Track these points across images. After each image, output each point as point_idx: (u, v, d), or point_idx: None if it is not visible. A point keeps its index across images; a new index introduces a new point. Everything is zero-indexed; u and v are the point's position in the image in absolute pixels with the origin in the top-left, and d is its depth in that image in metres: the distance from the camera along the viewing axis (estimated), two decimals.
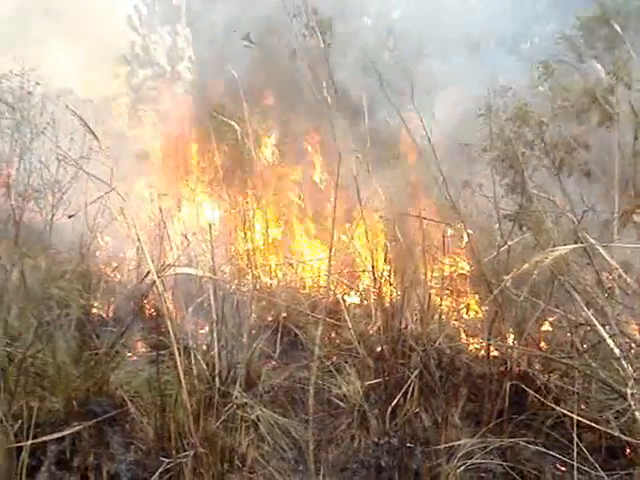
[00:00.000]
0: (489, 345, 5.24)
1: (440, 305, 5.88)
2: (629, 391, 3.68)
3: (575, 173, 4.94)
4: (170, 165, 7.02)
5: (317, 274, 7.84)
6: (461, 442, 4.60)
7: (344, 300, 6.47)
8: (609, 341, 3.84)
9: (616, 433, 4.38)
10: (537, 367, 5.30)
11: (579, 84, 4.95)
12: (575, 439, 4.00)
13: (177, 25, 10.69)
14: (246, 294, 5.68)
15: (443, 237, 5.54)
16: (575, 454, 4.01)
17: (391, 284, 5.81)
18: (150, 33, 10.83)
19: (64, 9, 8.50)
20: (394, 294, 5.84)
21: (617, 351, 3.83)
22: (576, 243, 4.25)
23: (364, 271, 6.85)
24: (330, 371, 5.78)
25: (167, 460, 4.32)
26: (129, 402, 5.04)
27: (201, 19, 10.45)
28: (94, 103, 6.77)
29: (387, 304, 5.66)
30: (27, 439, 4.18)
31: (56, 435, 4.45)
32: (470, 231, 5.20)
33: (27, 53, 5.61)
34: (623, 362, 3.88)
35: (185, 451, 4.35)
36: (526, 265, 3.36)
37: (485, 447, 4.61)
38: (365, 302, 6.75)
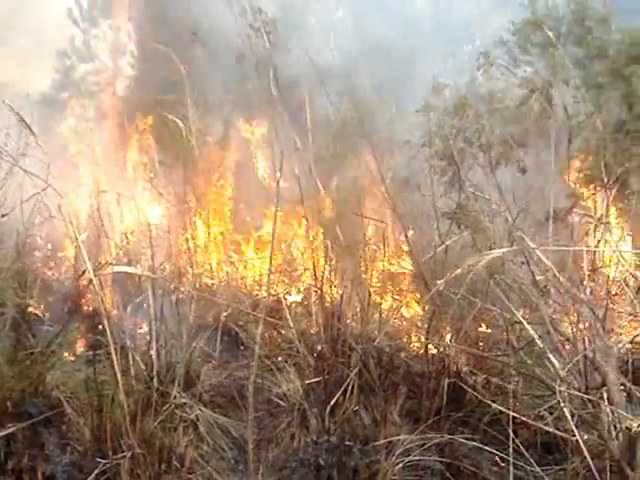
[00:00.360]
0: (427, 344, 5.30)
1: (380, 304, 5.91)
2: (558, 387, 3.77)
3: (511, 171, 5.02)
4: (110, 161, 6.92)
5: (259, 273, 7.83)
6: (400, 438, 4.64)
7: (285, 299, 6.47)
8: (537, 340, 3.93)
9: (550, 429, 4.48)
10: (474, 365, 5.38)
11: (515, 85, 5.03)
12: (511, 435, 4.07)
13: (119, 19, 10.55)
14: (186, 293, 5.64)
15: (383, 236, 5.57)
16: (511, 450, 4.08)
17: (332, 283, 5.83)
18: (91, 27, 10.66)
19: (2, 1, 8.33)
20: (335, 293, 5.86)
21: (546, 348, 3.92)
22: (512, 242, 4.33)
23: (305, 270, 6.87)
24: (271, 370, 5.77)
25: (103, 461, 4.26)
26: (65, 403, 4.96)
27: (144, 14, 10.33)
28: (32, 98, 6.63)
29: (328, 303, 5.68)
30: None
31: None
32: (410, 230, 5.25)
33: None
34: (553, 359, 3.96)
35: (122, 452, 4.30)
36: (460, 269, 3.41)
37: (423, 444, 4.66)
38: (306, 301, 6.76)
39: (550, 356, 3.96)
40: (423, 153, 5.25)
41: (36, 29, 8.81)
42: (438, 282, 3.69)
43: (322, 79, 5.56)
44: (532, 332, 3.93)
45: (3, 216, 5.01)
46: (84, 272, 4.22)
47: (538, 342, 3.92)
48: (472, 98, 5.23)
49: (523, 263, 4.47)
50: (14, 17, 8.66)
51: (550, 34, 4.85)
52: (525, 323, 4.22)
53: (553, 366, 4.07)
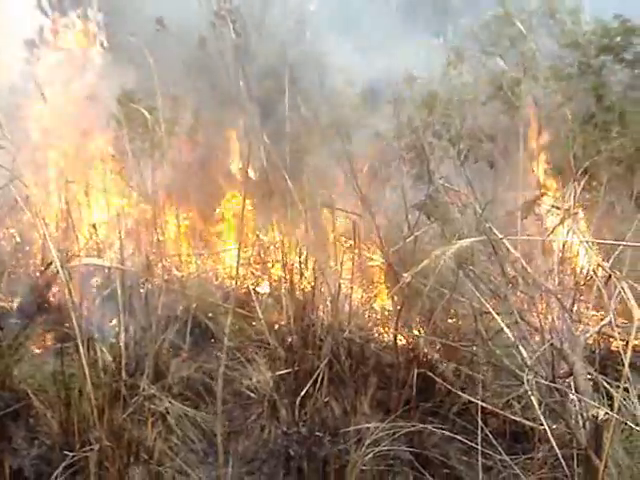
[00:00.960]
0: (396, 334, 5.31)
1: (351, 295, 5.91)
2: (525, 377, 3.79)
3: (480, 163, 5.04)
4: (78, 153, 6.82)
5: (229, 265, 7.79)
6: (370, 425, 4.65)
7: (255, 291, 6.44)
8: (505, 328, 3.94)
9: (518, 418, 4.51)
10: (444, 355, 5.39)
11: (485, 77, 5.05)
12: (480, 425, 4.09)
13: (88, 9, 10.41)
14: (155, 285, 5.59)
15: (354, 228, 5.56)
16: (480, 439, 4.10)
17: (302, 274, 5.81)
18: (60, 17, 10.52)
19: None
20: (305, 284, 5.84)
21: (513, 338, 3.94)
22: (481, 234, 4.34)
23: (275, 262, 6.84)
24: (241, 362, 5.75)
25: (71, 454, 4.21)
26: (33, 396, 4.90)
27: (113, 4, 10.21)
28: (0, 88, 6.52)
29: (298, 294, 5.66)
30: None
31: None
32: (379, 222, 5.25)
33: None
34: (521, 349, 3.98)
35: (90, 445, 4.27)
36: (428, 260, 3.41)
37: (393, 434, 4.67)
38: (276, 292, 6.72)
39: (519, 346, 3.98)
40: (393, 145, 5.25)
41: (3, 19, 8.67)
42: (407, 273, 3.68)
43: (292, 69, 5.50)
44: (500, 322, 3.93)
45: None
46: (50, 264, 4.16)
47: (507, 332, 3.93)
48: (442, 91, 5.24)
49: (492, 254, 4.49)
50: None
51: (521, 27, 4.87)
52: (494, 313, 4.24)
53: (521, 356, 4.09)
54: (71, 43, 9.86)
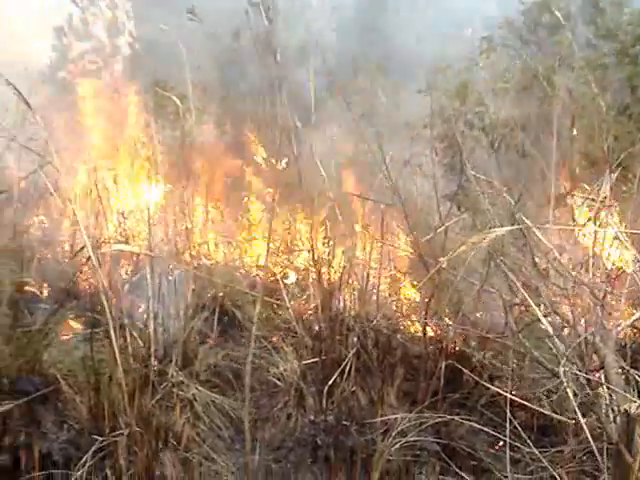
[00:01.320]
0: (425, 325, 5.27)
1: (378, 285, 5.89)
2: (561, 369, 3.73)
3: (513, 154, 4.99)
4: (108, 140, 6.86)
5: (256, 254, 7.80)
6: (397, 416, 4.62)
7: (283, 280, 6.43)
8: (543, 320, 3.88)
9: (547, 412, 4.46)
10: (472, 346, 5.35)
11: (520, 66, 4.99)
12: (509, 417, 4.05)
13: None
14: (184, 273, 5.59)
15: (382, 217, 5.52)
16: (508, 432, 4.06)
17: (330, 264, 5.79)
18: (89, 5, 10.56)
19: None
20: (332, 274, 5.83)
21: (550, 330, 3.88)
22: (512, 225, 4.29)
23: (302, 251, 6.83)
24: (268, 350, 5.75)
25: (100, 439, 4.23)
26: (62, 380, 4.93)
27: None
28: (31, 76, 6.55)
29: (325, 284, 5.65)
30: None
31: None
32: (408, 211, 5.21)
33: None
34: (556, 340, 3.93)
35: (119, 430, 4.28)
36: (463, 247, 3.36)
37: (420, 425, 4.64)
38: (304, 282, 6.72)
39: (555, 338, 3.93)
40: (424, 135, 5.21)
41: (34, 7, 8.72)
42: (441, 259, 3.64)
43: (323, 58, 5.48)
44: (538, 313, 3.88)
45: (0, 193, 4.96)
46: (82, 249, 4.17)
47: (545, 323, 3.88)
48: (474, 81, 5.19)
49: (524, 245, 4.45)
50: None
51: (559, 15, 4.80)
52: (532, 303, 4.18)
53: (555, 348, 4.04)
54: (100, 32, 9.91)
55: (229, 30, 6.33)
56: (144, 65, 8.67)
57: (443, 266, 3.95)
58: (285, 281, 6.74)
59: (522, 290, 4.41)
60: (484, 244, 3.30)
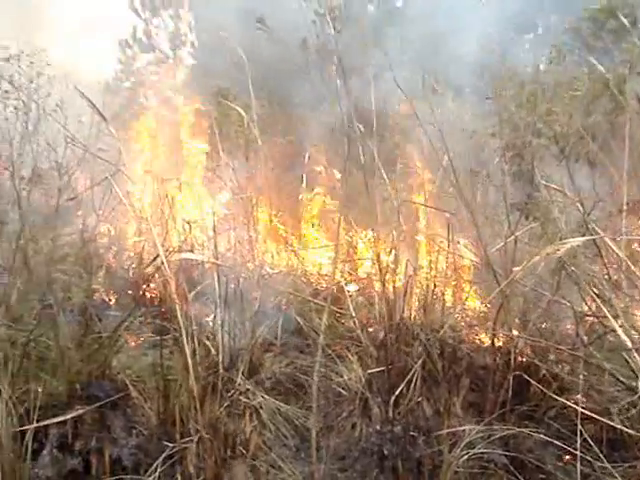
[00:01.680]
0: (494, 335, 5.22)
1: (443, 294, 5.85)
2: None
3: (583, 162, 4.91)
4: (173, 150, 6.98)
5: (318, 263, 7.83)
6: (465, 428, 4.59)
7: (346, 288, 6.43)
8: (620, 332, 3.80)
9: (618, 425, 4.38)
10: (541, 358, 5.28)
11: (588, 74, 4.91)
12: (579, 429, 3.99)
13: (180, 10, 10.62)
14: (249, 281, 5.65)
15: (448, 226, 5.49)
16: (579, 445, 3.99)
17: (394, 272, 5.78)
18: (152, 17, 10.75)
19: None
20: (397, 282, 5.81)
21: (629, 343, 3.80)
22: (584, 234, 4.23)
23: (367, 259, 6.82)
24: (332, 359, 5.77)
25: (171, 445, 4.29)
26: (131, 386, 5.02)
27: (204, 3, 10.38)
28: (100, 86, 6.70)
29: (390, 292, 5.63)
30: (30, 423, 4.16)
31: (59, 419, 4.43)
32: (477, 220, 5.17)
33: (33, 35, 5.57)
34: (635, 354, 3.85)
35: (188, 436, 4.34)
36: (536, 258, 3.32)
37: (488, 436, 4.60)
38: (367, 290, 6.72)
39: (634, 352, 3.84)
40: (491, 143, 5.17)
41: (101, 19, 8.91)
42: (514, 270, 3.60)
43: (389, 66, 5.48)
44: (615, 325, 3.80)
45: (71, 199, 5.07)
46: (156, 257, 4.24)
47: (622, 336, 3.80)
48: (541, 88, 5.13)
49: (596, 255, 4.38)
50: (80, 8, 8.77)
51: (625, 21, 4.72)
52: (608, 314, 4.09)
53: (632, 362, 3.96)
54: (163, 43, 10.08)
55: (295, 39, 6.38)
56: (207, 75, 8.78)
57: (516, 277, 3.90)
58: (348, 288, 6.73)
59: (595, 300, 4.34)
60: (558, 255, 3.26)
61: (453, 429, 4.65)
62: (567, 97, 4.77)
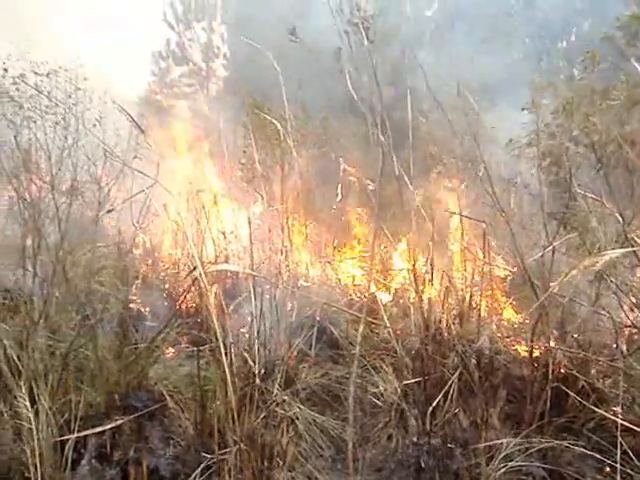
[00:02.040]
0: (532, 347, 5.18)
1: (479, 305, 5.82)
2: None
3: (622, 171, 4.87)
4: (209, 162, 7.04)
5: (351, 273, 7.83)
6: (503, 441, 4.55)
7: (381, 299, 6.43)
8: None
9: None
10: (579, 369, 5.22)
11: (626, 81, 4.88)
12: (619, 442, 3.95)
13: (212, 22, 10.74)
14: (284, 292, 5.66)
15: (484, 236, 5.46)
16: (619, 457, 3.95)
17: (430, 283, 5.77)
18: (185, 30, 10.88)
19: (102, 6, 8.56)
20: (432, 293, 5.79)
21: None
22: (623, 244, 4.19)
23: (402, 270, 6.81)
24: (367, 369, 5.76)
25: (209, 456, 4.32)
26: (168, 397, 5.06)
27: (236, 15, 10.47)
28: (137, 99, 6.79)
29: (426, 303, 5.62)
30: (70, 433, 4.21)
31: (98, 429, 4.48)
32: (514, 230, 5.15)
33: (69, 50, 5.65)
34: None
35: (225, 447, 4.36)
36: (575, 270, 3.30)
37: (526, 449, 4.56)
38: (401, 300, 6.71)
39: None
40: (527, 153, 5.15)
41: (135, 33, 9.03)
42: (550, 282, 3.59)
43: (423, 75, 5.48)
44: None
45: (109, 211, 5.15)
46: (194, 269, 4.28)
47: None
48: (575, 96, 5.10)
49: (635, 265, 4.34)
50: (109, 21, 8.89)
51: None
52: None
53: None
54: (196, 55, 10.20)
55: (328, 49, 6.40)
56: (240, 86, 8.85)
57: (555, 290, 3.88)
58: (383, 299, 6.72)
59: (634, 310, 4.30)
60: (598, 267, 3.23)
61: (491, 442, 4.60)
62: (604, 105, 4.72)
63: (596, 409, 4.70)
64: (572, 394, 4.99)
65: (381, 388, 5.58)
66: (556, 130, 4.80)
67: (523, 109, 5.07)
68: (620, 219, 4.50)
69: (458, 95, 5.29)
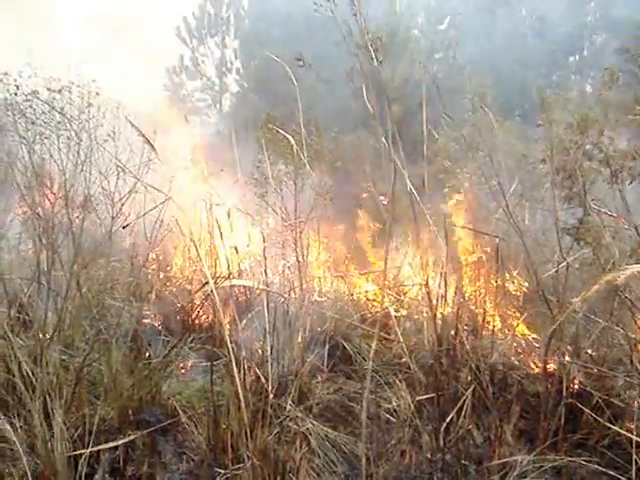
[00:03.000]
0: (546, 362, 5.17)
1: (493, 321, 5.81)
2: None
3: (636, 184, 4.87)
4: (221, 176, 7.05)
5: (363, 288, 7.83)
6: (516, 458, 4.54)
7: (394, 314, 6.42)
8: None
9: None
10: (594, 385, 5.20)
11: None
12: (634, 458, 3.93)
13: (226, 37, 10.82)
14: (297, 307, 5.67)
15: (497, 252, 5.47)
16: (634, 474, 3.94)
17: (444, 298, 5.76)
18: (199, 45, 10.97)
19: (117, 22, 8.64)
20: (446, 309, 5.79)
21: None
22: (639, 259, 4.19)
23: (415, 285, 6.81)
24: (380, 385, 5.76)
25: (222, 471, 4.33)
26: (181, 412, 5.08)
27: (249, 32, 10.54)
28: (149, 115, 6.82)
29: (439, 319, 5.62)
30: (84, 447, 4.23)
31: (112, 444, 4.49)
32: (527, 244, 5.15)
33: (81, 65, 5.71)
34: None
35: (239, 462, 4.37)
36: (596, 286, 3.30)
37: (540, 467, 4.55)
38: (415, 316, 6.70)
39: None
40: (541, 168, 5.15)
41: (148, 48, 9.10)
42: (564, 297, 3.58)
43: (434, 91, 5.51)
44: None
45: (124, 227, 5.18)
46: (205, 284, 4.30)
47: None
48: (589, 111, 5.10)
49: None
50: (123, 37, 8.98)
51: None
52: None
53: None
54: (209, 70, 10.26)
55: (337, 70, 6.46)
56: (253, 101, 8.90)
57: (576, 308, 3.87)
58: (396, 315, 6.71)
59: None
60: (620, 282, 3.24)
61: (504, 460, 4.59)
62: (620, 120, 4.72)
63: (611, 425, 4.68)
64: (587, 410, 4.96)
65: (394, 404, 5.57)
66: (569, 145, 4.80)
67: (538, 125, 5.08)
68: (635, 234, 4.50)
69: (472, 110, 5.31)
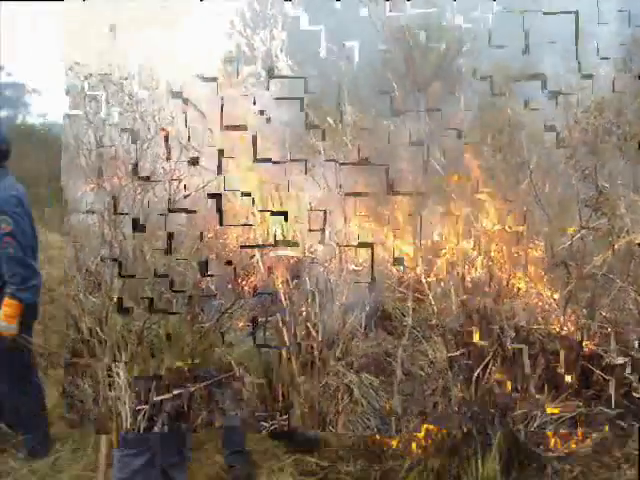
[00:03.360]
0: (562, 324, 5.14)
1: (518, 284, 5.75)
2: None
3: None
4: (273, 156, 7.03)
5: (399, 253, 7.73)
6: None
7: (427, 279, 6.34)
8: None
9: None
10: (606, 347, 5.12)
11: None
12: None
13: (274, 30, 10.72)
14: (336, 275, 5.67)
15: (524, 218, 5.40)
16: None
17: (473, 264, 5.74)
18: (253, 35, 10.89)
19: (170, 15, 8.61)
20: (474, 272, 5.77)
21: None
22: None
23: (447, 252, 6.71)
24: (418, 339, 5.76)
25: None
26: (235, 367, 5.15)
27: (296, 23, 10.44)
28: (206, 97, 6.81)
29: (468, 281, 5.61)
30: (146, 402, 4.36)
31: (171, 394, 4.59)
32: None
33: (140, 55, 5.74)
34: None
35: (286, 412, 4.48)
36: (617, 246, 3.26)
37: (560, 417, 4.57)
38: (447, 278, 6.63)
39: None
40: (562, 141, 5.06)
41: (201, 39, 9.07)
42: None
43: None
44: None
45: (186, 197, 5.25)
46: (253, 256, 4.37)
47: None
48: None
49: None
50: (179, 28, 8.94)
51: None
52: None
53: None
54: (258, 60, 10.18)
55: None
56: (298, 88, 8.85)
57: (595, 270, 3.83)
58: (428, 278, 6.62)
59: None
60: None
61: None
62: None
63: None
64: (596, 371, 4.94)
65: (430, 356, 5.58)
66: (587, 126, 4.71)
67: (550, 98, 4.96)
68: None
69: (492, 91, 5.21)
